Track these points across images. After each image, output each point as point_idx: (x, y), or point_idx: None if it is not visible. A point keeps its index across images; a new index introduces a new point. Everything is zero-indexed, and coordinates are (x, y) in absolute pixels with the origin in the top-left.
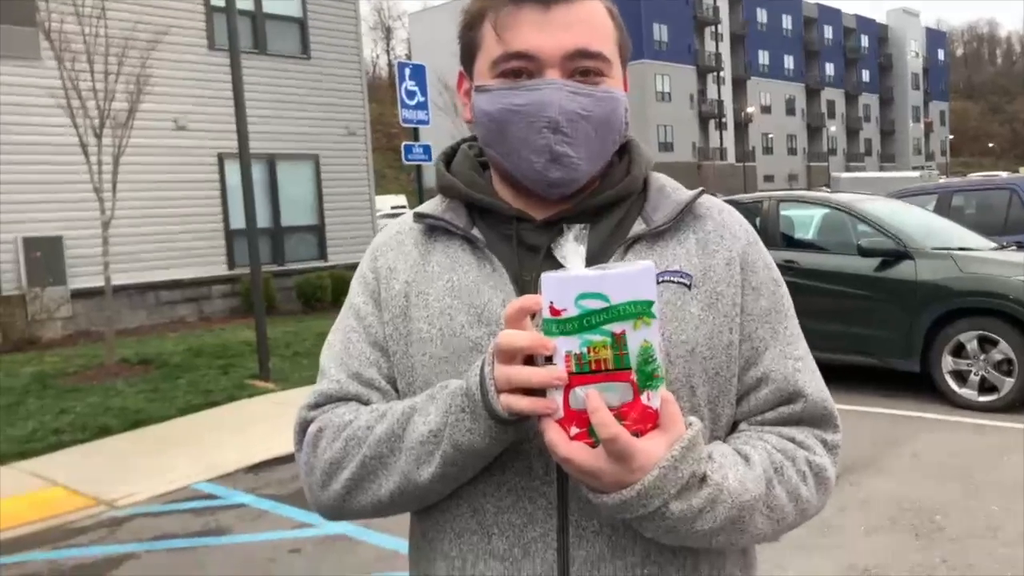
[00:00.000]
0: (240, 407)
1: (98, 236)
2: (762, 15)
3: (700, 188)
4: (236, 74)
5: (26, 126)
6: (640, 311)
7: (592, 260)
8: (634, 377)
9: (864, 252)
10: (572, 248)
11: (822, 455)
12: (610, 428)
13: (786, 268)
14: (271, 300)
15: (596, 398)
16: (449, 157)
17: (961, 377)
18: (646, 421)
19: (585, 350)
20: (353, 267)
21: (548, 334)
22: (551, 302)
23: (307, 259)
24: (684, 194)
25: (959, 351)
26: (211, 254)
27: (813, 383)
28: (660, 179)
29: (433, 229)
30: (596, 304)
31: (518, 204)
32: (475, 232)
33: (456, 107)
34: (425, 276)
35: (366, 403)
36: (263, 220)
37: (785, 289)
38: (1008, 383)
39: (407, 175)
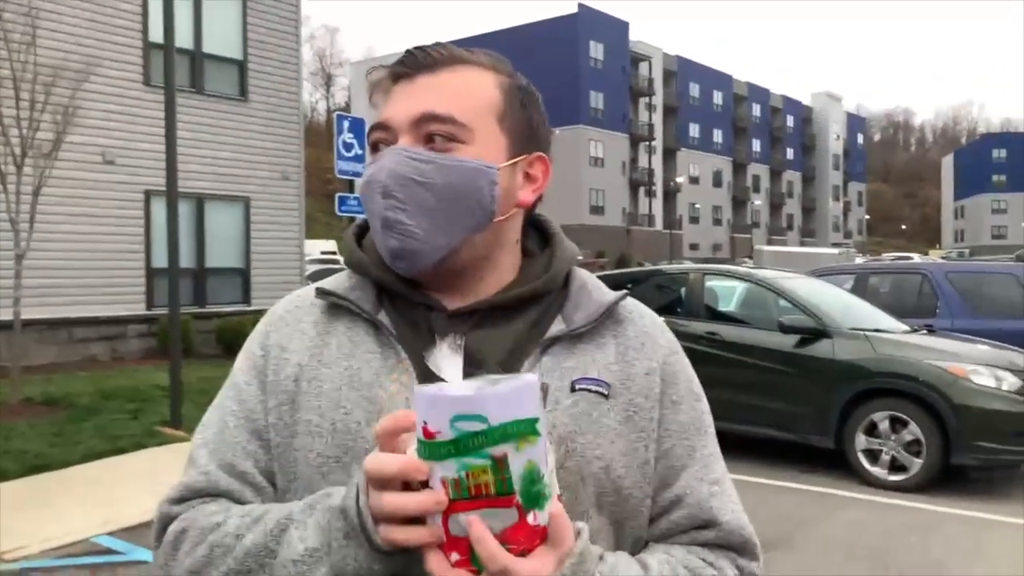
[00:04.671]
0: (148, 456)
1: (10, 268)
2: (695, 90)
3: (623, 291)
4: (170, 111)
5: None
6: (523, 430)
7: (508, 359)
8: (519, 500)
9: (785, 329)
10: (447, 358)
11: None
12: (497, 560)
13: (708, 340)
14: (189, 343)
15: (479, 527)
16: (363, 230)
17: (873, 456)
18: (533, 539)
19: (464, 475)
20: None
21: (422, 456)
22: (424, 423)
23: (230, 302)
24: (606, 295)
25: (872, 430)
26: (130, 292)
27: (730, 509)
28: (582, 276)
29: (336, 307)
30: (474, 426)
31: (431, 289)
32: (382, 317)
33: None
34: (320, 360)
35: (238, 500)
36: (187, 260)
37: (706, 404)
38: (917, 464)
39: (339, 221)
